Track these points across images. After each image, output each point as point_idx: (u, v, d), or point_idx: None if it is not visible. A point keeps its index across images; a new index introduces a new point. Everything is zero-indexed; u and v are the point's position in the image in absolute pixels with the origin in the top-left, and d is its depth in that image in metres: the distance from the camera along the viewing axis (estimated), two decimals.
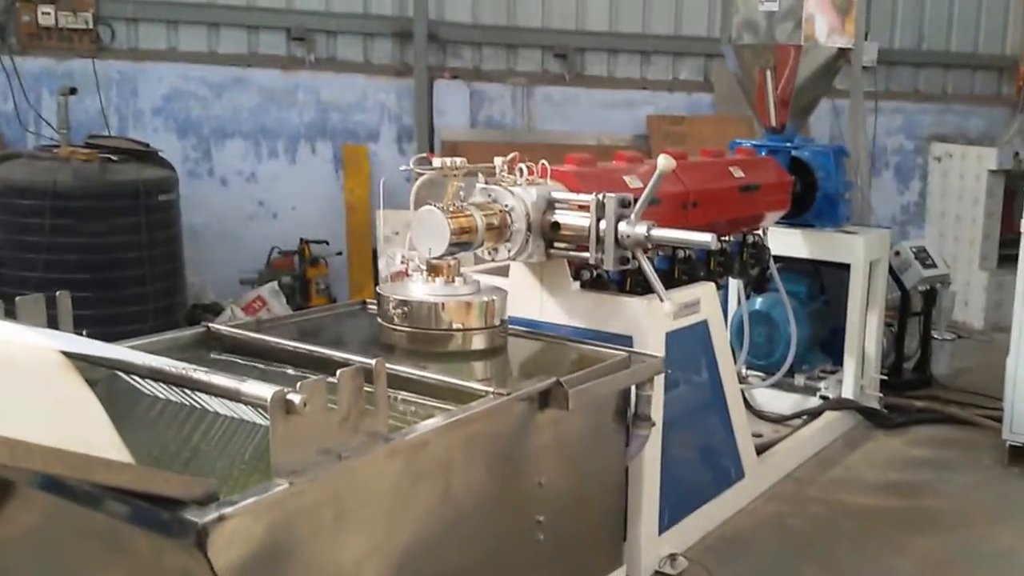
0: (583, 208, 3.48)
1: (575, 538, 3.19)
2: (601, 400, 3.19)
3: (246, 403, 2.29)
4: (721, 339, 4.13)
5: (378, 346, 3.32)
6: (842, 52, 5.24)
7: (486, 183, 3.53)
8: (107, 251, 5.78)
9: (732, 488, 4.29)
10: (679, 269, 4.00)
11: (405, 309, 3.26)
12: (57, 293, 2.88)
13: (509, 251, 3.52)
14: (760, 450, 4.61)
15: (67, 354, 2.46)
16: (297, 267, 7.56)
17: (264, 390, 2.13)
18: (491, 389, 2.76)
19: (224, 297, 7.29)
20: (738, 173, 4.62)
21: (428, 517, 2.54)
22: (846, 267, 5.29)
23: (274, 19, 7.71)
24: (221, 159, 7.68)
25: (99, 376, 2.58)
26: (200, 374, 2.39)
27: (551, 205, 3.54)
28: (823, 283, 5.68)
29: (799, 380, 5.48)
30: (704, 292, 3.99)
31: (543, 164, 3.60)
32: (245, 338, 3.29)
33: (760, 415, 5.34)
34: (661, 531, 3.80)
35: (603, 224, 3.41)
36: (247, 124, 7.70)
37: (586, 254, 3.49)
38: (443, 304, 3.25)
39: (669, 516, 3.83)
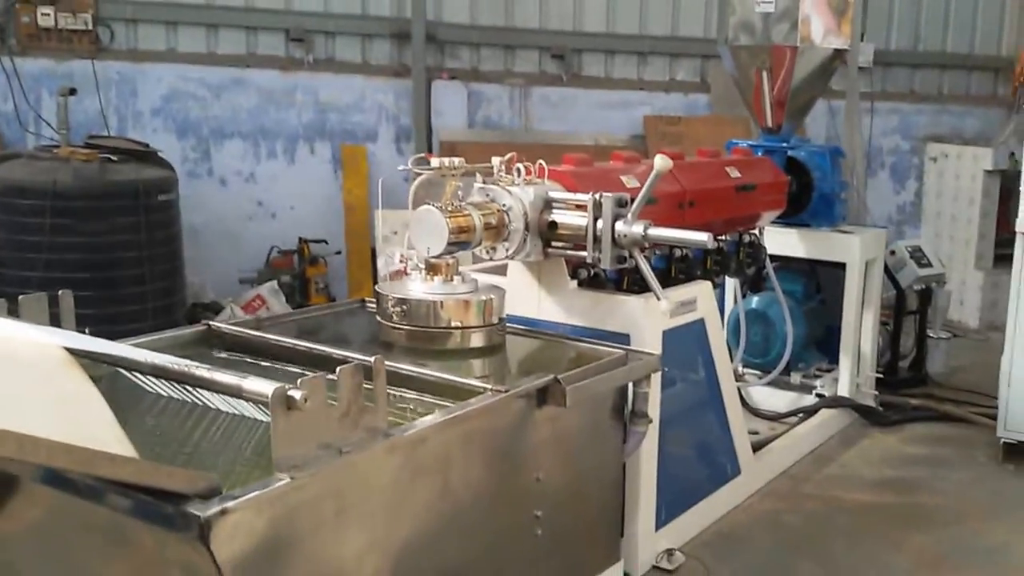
0: (580, 208, 3.50)
1: (573, 533, 3.22)
2: (598, 397, 3.21)
3: (247, 399, 2.31)
4: (717, 337, 4.16)
5: (377, 344, 3.34)
6: (838, 53, 5.26)
7: (484, 183, 3.54)
8: (107, 251, 5.80)
9: (728, 485, 4.32)
10: (676, 268, 4.03)
11: (404, 307, 3.28)
12: (60, 292, 2.90)
13: (507, 250, 3.54)
14: (756, 447, 4.63)
15: (70, 351, 2.47)
16: (296, 266, 7.58)
17: (265, 386, 2.15)
18: (489, 386, 2.78)
19: (224, 296, 7.31)
20: (734, 173, 4.64)
21: (427, 512, 2.56)
22: (842, 266, 5.30)
23: (273, 20, 7.73)
24: (220, 159, 7.71)
25: (102, 373, 2.60)
26: (202, 371, 2.40)
27: (548, 205, 3.56)
28: (819, 282, 5.70)
29: (795, 378, 5.51)
30: (701, 291, 4.01)
31: (540, 164, 3.61)
32: (246, 336, 3.31)
33: (756, 413, 5.36)
34: (658, 527, 3.82)
35: (600, 223, 3.43)
36: (246, 124, 7.72)
37: (583, 253, 3.51)
38: (442, 302, 3.27)
39: (666, 512, 3.85)
